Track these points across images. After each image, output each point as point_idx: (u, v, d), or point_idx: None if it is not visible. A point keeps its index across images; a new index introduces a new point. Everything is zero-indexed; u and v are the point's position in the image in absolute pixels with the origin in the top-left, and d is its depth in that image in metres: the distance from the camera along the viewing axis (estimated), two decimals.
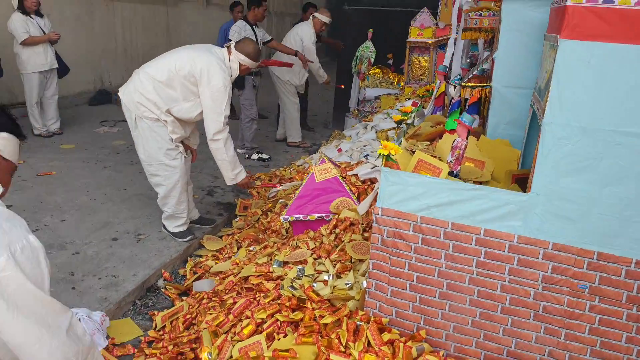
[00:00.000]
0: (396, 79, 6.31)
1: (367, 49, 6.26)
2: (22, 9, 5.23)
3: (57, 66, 5.62)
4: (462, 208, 1.81)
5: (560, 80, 1.60)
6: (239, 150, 5.33)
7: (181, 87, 3.04)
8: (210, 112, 3.07)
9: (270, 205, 3.73)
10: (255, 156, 5.39)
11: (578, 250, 1.72)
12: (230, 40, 3.99)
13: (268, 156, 5.44)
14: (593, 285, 1.72)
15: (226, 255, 3.14)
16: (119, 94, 3.19)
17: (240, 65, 3.20)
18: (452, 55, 3.55)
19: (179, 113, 3.09)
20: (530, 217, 1.75)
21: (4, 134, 1.45)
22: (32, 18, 5.31)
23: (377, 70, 6.38)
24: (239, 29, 5.21)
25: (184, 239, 3.32)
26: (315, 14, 5.90)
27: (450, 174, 2.03)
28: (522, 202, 1.75)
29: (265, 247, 2.96)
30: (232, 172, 3.29)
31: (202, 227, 3.58)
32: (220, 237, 3.52)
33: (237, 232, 3.52)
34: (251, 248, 3.07)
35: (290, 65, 5.57)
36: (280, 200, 3.65)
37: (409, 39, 5.71)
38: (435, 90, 3.39)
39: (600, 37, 1.54)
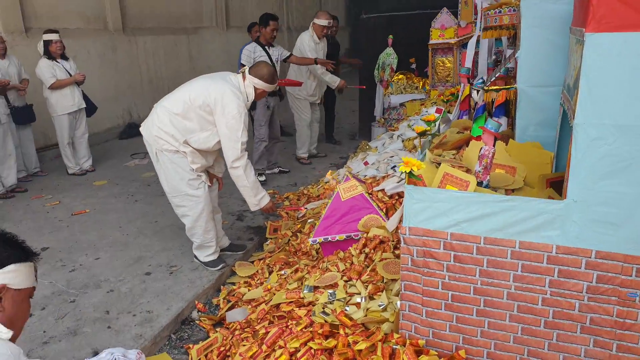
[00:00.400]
0: (421, 83, 6.18)
1: (388, 56, 6.17)
2: (48, 54, 5.41)
3: (84, 106, 5.75)
4: (493, 221, 1.71)
5: (590, 77, 1.49)
6: None
7: (197, 118, 3.05)
8: (227, 140, 3.06)
9: (300, 226, 3.68)
10: (261, 178, 5.12)
11: (624, 256, 1.58)
12: (244, 65, 3.99)
13: (264, 179, 5.22)
14: None
15: (258, 282, 3.09)
16: (140, 129, 3.22)
17: (256, 89, 3.18)
18: (476, 55, 3.43)
19: (197, 143, 3.09)
20: (568, 226, 1.63)
21: (11, 267, 1.33)
22: (58, 62, 5.47)
23: (400, 76, 6.27)
24: (249, 52, 5.16)
25: (215, 268, 3.29)
26: (314, 20, 5.72)
27: (480, 184, 1.93)
28: (558, 210, 1.63)
29: (296, 271, 2.90)
30: (255, 197, 3.26)
31: (233, 254, 3.55)
32: (252, 262, 3.48)
33: (269, 255, 3.47)
34: (282, 272, 3.02)
35: (299, 84, 5.53)
36: (309, 220, 3.59)
37: (431, 41, 5.58)
38: (459, 94, 3.27)
39: (631, 26, 1.42)
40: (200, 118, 3.05)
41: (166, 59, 8.95)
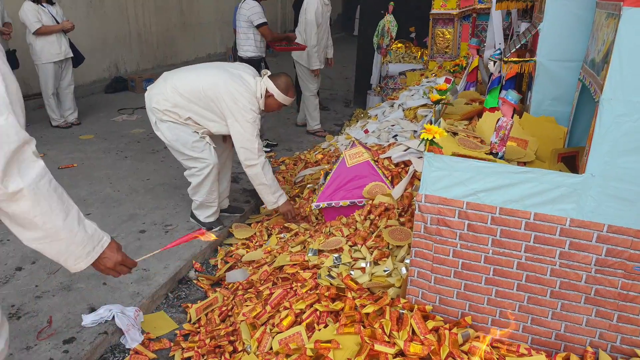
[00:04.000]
0: (419, 52, 6.14)
1: (389, 23, 6.08)
2: None
3: (71, 55, 5.55)
4: (511, 192, 1.72)
5: (623, 52, 1.48)
6: None
7: (205, 106, 3.00)
8: (241, 142, 3.01)
9: (298, 190, 3.67)
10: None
11: (635, 232, 1.62)
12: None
13: (275, 143, 5.21)
14: None
15: (257, 244, 3.09)
16: (145, 95, 3.12)
17: (267, 96, 3.07)
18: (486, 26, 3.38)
19: (201, 120, 3.05)
20: (585, 200, 1.65)
21: None
22: (43, 6, 5.22)
23: (399, 45, 6.21)
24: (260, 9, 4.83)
25: (213, 229, 3.28)
26: None
27: (495, 155, 1.93)
28: (576, 184, 1.65)
29: (296, 235, 2.90)
30: (273, 195, 3.18)
31: (230, 215, 3.54)
32: (249, 224, 3.47)
33: (266, 218, 3.47)
34: (282, 235, 3.02)
35: (303, 47, 5.20)
36: (308, 186, 3.58)
37: (432, 11, 5.52)
38: (467, 65, 3.24)
39: None
40: (207, 107, 3.00)
41: (156, 12, 8.66)
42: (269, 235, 3.11)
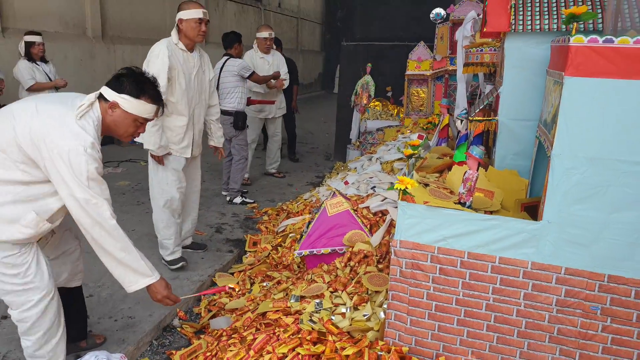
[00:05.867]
0: (395, 110, 6.46)
1: (367, 83, 6.43)
2: (29, 56, 5.37)
3: None
4: (477, 238, 1.88)
5: (567, 114, 1.70)
6: (223, 193, 5.24)
7: None
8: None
9: (280, 239, 3.78)
10: (238, 200, 5.08)
11: (590, 273, 1.78)
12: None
13: (252, 200, 5.15)
14: (605, 307, 1.78)
15: (239, 292, 3.17)
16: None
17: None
18: (454, 88, 3.67)
19: None
20: (543, 244, 1.82)
21: (124, 95, 2.05)
22: (37, 65, 5.44)
23: (376, 103, 6.53)
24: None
25: (174, 266, 3.47)
26: (256, 34, 5.73)
27: (463, 204, 2.11)
28: (535, 230, 1.82)
29: (279, 283, 3.00)
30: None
31: (194, 252, 3.77)
32: (232, 274, 3.55)
33: (249, 268, 3.55)
34: (264, 284, 3.11)
35: (272, 102, 5.75)
36: (291, 235, 3.71)
37: (407, 72, 5.88)
38: (439, 123, 3.49)
39: (603, 74, 1.64)
40: None
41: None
42: (252, 284, 3.20)
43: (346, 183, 4.04)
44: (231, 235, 4.23)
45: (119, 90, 2.09)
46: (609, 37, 1.61)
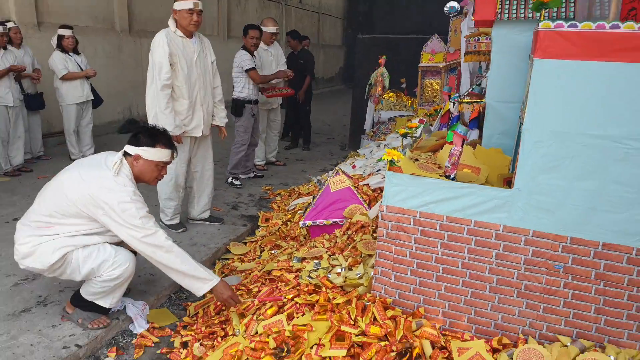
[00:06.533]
0: (409, 101, 6.66)
1: (381, 74, 6.64)
2: (61, 47, 5.79)
3: (92, 98, 6.14)
4: (455, 203, 2.12)
5: (536, 92, 1.92)
6: (241, 177, 5.47)
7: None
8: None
9: (290, 216, 4.05)
10: (235, 181, 5.35)
11: (554, 236, 2.00)
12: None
13: (239, 183, 5.36)
14: (567, 266, 2.01)
15: (250, 258, 3.45)
16: None
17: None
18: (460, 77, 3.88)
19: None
20: (514, 210, 2.05)
21: (143, 147, 2.50)
22: (70, 56, 5.86)
23: (391, 94, 6.74)
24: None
25: (176, 231, 3.89)
26: (262, 28, 5.69)
27: (448, 177, 2.34)
28: (507, 197, 2.05)
29: (285, 250, 3.27)
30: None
31: (211, 224, 4.12)
32: (245, 243, 3.85)
33: (260, 239, 3.84)
34: (273, 251, 3.39)
35: (292, 93, 5.98)
36: (299, 212, 3.97)
37: (421, 64, 6.05)
38: (441, 109, 3.71)
39: (567, 55, 1.85)
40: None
41: None
42: (262, 251, 3.48)
43: (353, 167, 4.29)
44: (246, 212, 4.52)
45: (137, 144, 2.53)
46: (573, 22, 1.83)
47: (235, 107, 5.26)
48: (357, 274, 2.53)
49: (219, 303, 2.73)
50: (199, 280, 2.52)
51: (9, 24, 5.47)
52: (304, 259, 2.80)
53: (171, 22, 3.61)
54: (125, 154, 2.54)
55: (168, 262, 2.48)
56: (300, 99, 7.12)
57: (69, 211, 2.39)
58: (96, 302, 2.52)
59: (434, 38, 6.02)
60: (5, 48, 5.26)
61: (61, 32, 5.81)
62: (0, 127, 5.21)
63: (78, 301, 2.54)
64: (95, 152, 6.34)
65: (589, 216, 1.94)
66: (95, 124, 6.65)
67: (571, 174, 1.94)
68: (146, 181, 2.63)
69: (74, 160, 6.02)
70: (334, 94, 16.68)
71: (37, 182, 5.12)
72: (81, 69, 5.92)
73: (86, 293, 2.51)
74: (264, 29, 5.77)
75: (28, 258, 2.42)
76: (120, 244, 2.57)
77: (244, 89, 5.27)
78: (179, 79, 3.59)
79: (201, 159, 3.93)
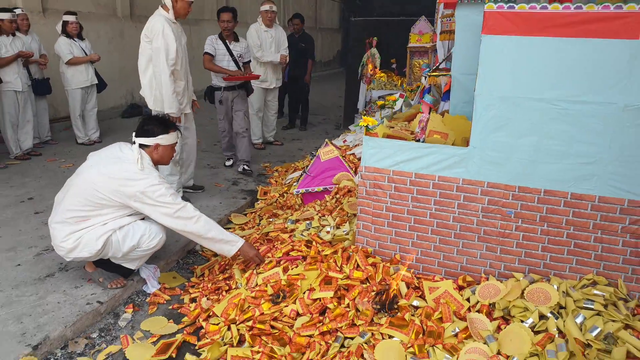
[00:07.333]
0: (399, 81, 6.96)
1: (373, 55, 6.94)
2: (66, 33, 6.07)
3: (96, 82, 6.44)
4: (421, 161, 2.47)
5: (484, 63, 2.26)
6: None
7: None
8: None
9: (286, 188, 4.41)
10: (228, 162, 5.55)
11: (505, 186, 2.35)
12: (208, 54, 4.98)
13: (231, 162, 5.53)
14: (517, 211, 2.36)
15: (250, 226, 3.82)
16: None
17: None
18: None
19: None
20: (471, 165, 2.39)
21: (161, 135, 2.81)
22: (75, 41, 6.14)
23: (382, 74, 7.04)
24: (210, 41, 5.24)
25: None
26: (260, 8, 5.90)
27: (417, 141, 2.69)
28: (464, 154, 2.40)
29: (282, 216, 3.64)
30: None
31: (194, 192, 4.49)
32: (245, 214, 4.21)
33: (259, 210, 4.20)
34: (271, 220, 3.75)
35: (257, 77, 5.55)
36: (294, 184, 4.33)
37: (409, 45, 6.35)
38: (421, 85, 4.04)
39: (508, 32, 2.19)
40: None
41: None
42: (260, 219, 3.85)
43: (344, 141, 4.64)
44: (245, 187, 4.88)
45: (153, 134, 2.81)
46: (512, 3, 2.16)
47: (208, 93, 5.33)
48: (344, 231, 2.90)
49: (222, 263, 3.11)
50: (228, 243, 2.85)
51: (17, 11, 5.73)
52: (297, 220, 3.16)
53: (170, 8, 3.86)
54: (141, 146, 2.79)
55: (199, 231, 2.78)
56: (308, 82, 7.47)
57: (103, 204, 2.69)
58: (124, 264, 2.88)
59: (421, 20, 6.30)
60: (13, 34, 5.51)
61: (66, 17, 6.09)
62: (10, 111, 5.48)
63: (102, 263, 2.90)
64: (101, 135, 6.72)
65: (532, 168, 2.29)
66: (99, 109, 6.96)
67: (516, 132, 2.28)
68: (164, 163, 2.95)
69: (80, 144, 6.41)
70: (331, 77, 16.93)
71: (46, 165, 5.48)
72: (85, 54, 6.20)
73: (115, 257, 2.88)
74: (261, 7, 5.97)
75: (74, 251, 2.73)
76: (144, 218, 2.91)
77: (216, 75, 5.28)
78: (177, 63, 3.91)
79: (189, 130, 4.29)
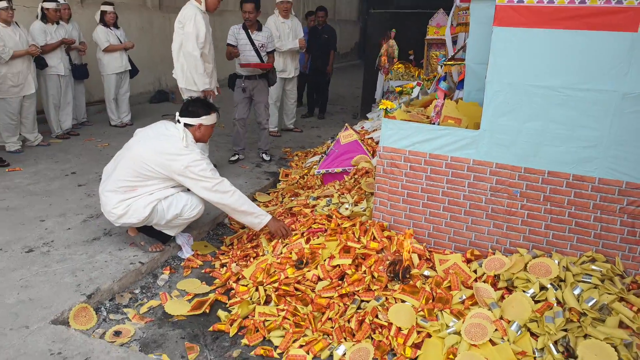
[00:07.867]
0: (417, 72, 7.14)
1: (391, 47, 7.12)
2: (103, 22, 6.43)
3: (130, 68, 6.80)
4: (435, 143, 2.69)
5: (495, 52, 2.46)
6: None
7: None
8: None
9: (306, 171, 4.66)
10: (234, 157, 5.38)
11: (512, 167, 2.56)
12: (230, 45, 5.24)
13: (236, 157, 5.35)
14: (522, 191, 2.57)
15: (274, 204, 4.08)
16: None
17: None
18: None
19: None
20: (481, 147, 2.61)
21: (203, 116, 3.06)
22: (111, 29, 6.51)
23: (399, 65, 7.22)
24: (233, 32, 5.35)
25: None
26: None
27: (432, 124, 2.90)
28: (474, 137, 2.61)
29: (303, 194, 3.89)
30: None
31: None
32: (268, 193, 4.47)
33: (281, 190, 4.46)
34: (292, 198, 4.00)
35: (269, 66, 5.30)
36: (314, 167, 4.57)
37: (427, 37, 6.52)
38: (437, 75, 4.24)
39: (517, 24, 2.39)
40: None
41: None
42: (283, 198, 4.10)
43: (362, 128, 4.86)
44: (268, 169, 5.14)
45: (197, 115, 3.08)
46: None
47: (230, 80, 5.30)
48: (361, 208, 3.14)
49: (250, 233, 3.37)
50: (258, 216, 3.11)
51: (60, 1, 6.10)
52: (318, 197, 3.41)
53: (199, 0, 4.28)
54: (185, 125, 3.05)
55: (234, 204, 3.04)
56: (330, 73, 7.71)
57: (150, 176, 2.97)
58: (164, 231, 3.16)
59: (439, 13, 6.46)
60: (57, 23, 5.91)
61: (104, 7, 6.48)
62: (54, 93, 5.90)
63: (143, 229, 3.18)
64: (132, 119, 7.07)
65: (537, 150, 2.49)
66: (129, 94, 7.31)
67: (522, 117, 2.48)
68: (203, 141, 3.23)
69: (113, 126, 6.79)
70: (349, 68, 17.09)
71: (85, 144, 5.85)
72: (121, 42, 6.59)
73: (158, 224, 3.14)
74: (277, 0, 6.22)
75: (123, 217, 3.00)
76: (186, 190, 3.16)
77: (236, 63, 5.36)
78: (205, 46, 4.36)
79: None
